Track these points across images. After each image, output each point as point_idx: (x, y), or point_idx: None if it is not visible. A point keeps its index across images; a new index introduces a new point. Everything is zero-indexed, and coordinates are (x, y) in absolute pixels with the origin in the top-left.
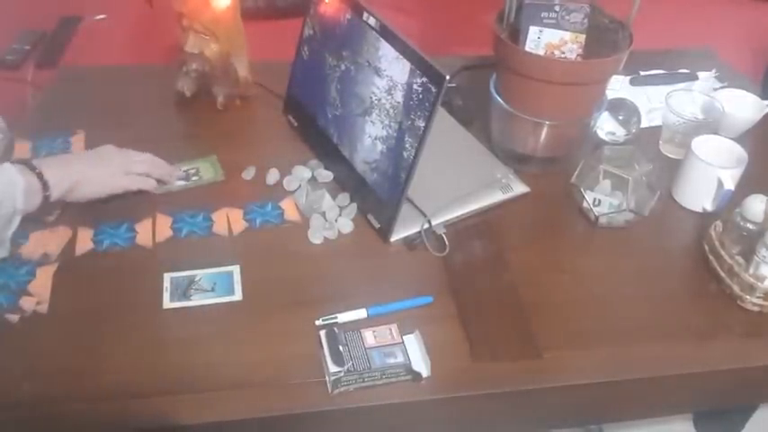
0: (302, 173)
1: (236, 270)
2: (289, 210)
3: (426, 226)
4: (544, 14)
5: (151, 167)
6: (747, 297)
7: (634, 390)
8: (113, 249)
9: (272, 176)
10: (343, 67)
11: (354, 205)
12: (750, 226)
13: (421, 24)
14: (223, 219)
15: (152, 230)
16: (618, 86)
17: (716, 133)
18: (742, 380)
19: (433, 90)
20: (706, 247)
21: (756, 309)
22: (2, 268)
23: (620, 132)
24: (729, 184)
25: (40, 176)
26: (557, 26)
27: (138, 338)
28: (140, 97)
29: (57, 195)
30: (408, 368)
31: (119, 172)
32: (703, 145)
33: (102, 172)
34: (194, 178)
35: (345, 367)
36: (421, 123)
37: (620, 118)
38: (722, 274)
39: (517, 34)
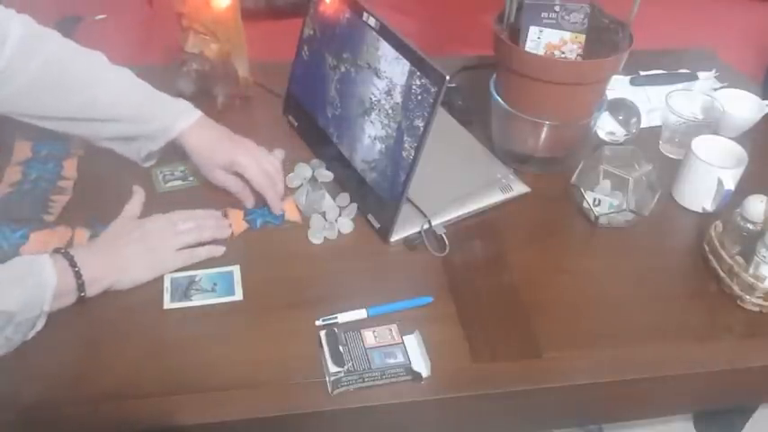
0: (304, 171)
1: (236, 270)
2: (289, 210)
3: (426, 226)
4: (544, 14)
5: (200, 234)
6: (747, 297)
7: (634, 390)
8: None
9: None
10: (342, 69)
11: (354, 205)
12: (750, 226)
13: (421, 24)
14: None
15: None
16: (618, 86)
17: (716, 133)
18: (742, 380)
19: (433, 90)
20: (706, 248)
21: (756, 309)
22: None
23: (620, 132)
24: (729, 184)
25: (77, 275)
26: (557, 26)
27: (138, 339)
28: None
29: (92, 294)
30: (408, 368)
31: (166, 252)
32: (703, 145)
33: (147, 258)
34: (191, 179)
35: (345, 367)
36: (420, 123)
37: (620, 118)
38: (722, 274)
39: (517, 34)
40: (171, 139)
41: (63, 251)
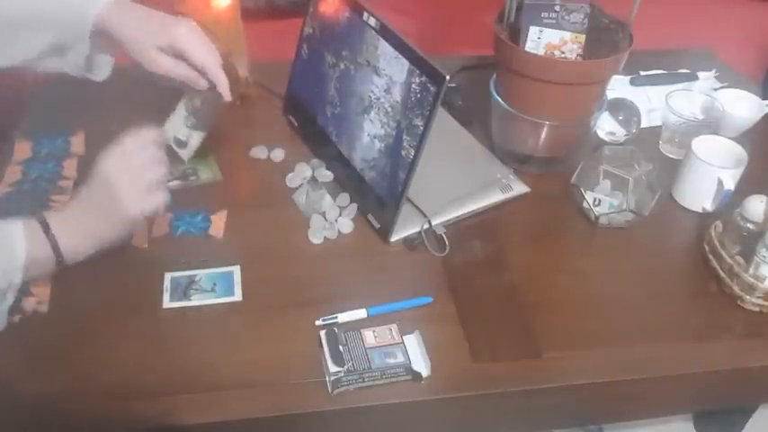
0: (304, 171)
1: (236, 270)
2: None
3: (426, 226)
4: (544, 14)
5: (161, 172)
6: (747, 297)
7: (634, 390)
8: (109, 250)
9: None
10: (342, 67)
11: (354, 205)
12: (750, 226)
13: (421, 24)
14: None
15: (148, 230)
16: (618, 86)
17: (716, 133)
18: (742, 380)
19: (433, 90)
20: (706, 248)
21: (756, 309)
22: None
23: (620, 132)
24: (729, 184)
25: (53, 242)
26: (557, 26)
27: (138, 338)
28: (140, 97)
29: (74, 261)
30: (408, 368)
31: (133, 201)
32: (703, 145)
33: (118, 217)
34: (192, 178)
35: (345, 367)
36: (419, 123)
37: (620, 118)
38: (722, 275)
39: (517, 34)
40: (92, 29)
41: (38, 216)
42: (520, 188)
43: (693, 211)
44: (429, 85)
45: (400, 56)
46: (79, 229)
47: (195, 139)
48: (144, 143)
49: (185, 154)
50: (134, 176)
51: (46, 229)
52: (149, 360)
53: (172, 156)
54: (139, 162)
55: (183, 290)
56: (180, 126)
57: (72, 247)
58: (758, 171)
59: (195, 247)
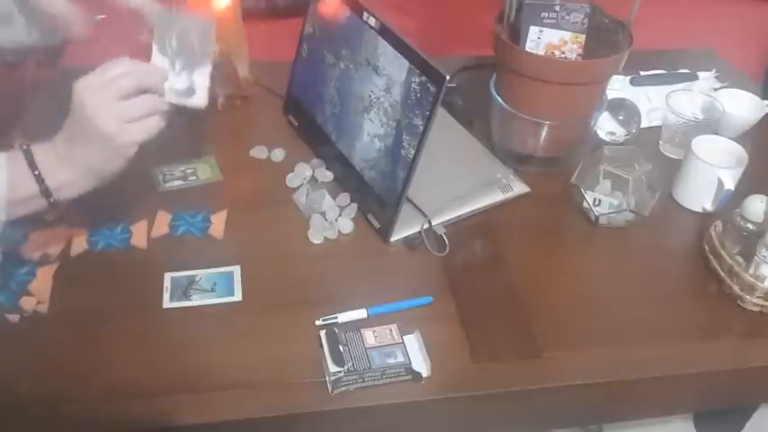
0: (304, 171)
1: (236, 270)
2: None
3: (426, 226)
4: (544, 14)
5: (144, 101)
6: (748, 297)
7: (634, 390)
8: (108, 250)
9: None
10: (342, 66)
11: (354, 205)
12: (750, 226)
13: (421, 24)
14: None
15: (147, 230)
16: (618, 86)
17: (716, 133)
18: (742, 380)
19: (433, 90)
20: (706, 248)
21: (757, 309)
22: (2, 268)
23: (620, 132)
24: (729, 184)
25: (39, 179)
26: (557, 26)
27: (138, 338)
28: None
29: (65, 198)
30: (408, 368)
31: (117, 130)
32: (703, 145)
33: (107, 150)
34: (192, 178)
35: (345, 367)
36: (419, 122)
37: (620, 118)
38: (722, 275)
39: (517, 34)
40: None
41: (24, 148)
42: (520, 188)
43: (693, 211)
44: (429, 84)
45: (400, 56)
46: (68, 160)
47: (200, 77)
48: (124, 72)
49: (199, 100)
50: (112, 106)
51: (31, 161)
52: (149, 360)
53: (190, 113)
54: (116, 92)
55: (183, 290)
56: (170, 77)
57: (64, 182)
58: (758, 171)
59: (195, 247)
